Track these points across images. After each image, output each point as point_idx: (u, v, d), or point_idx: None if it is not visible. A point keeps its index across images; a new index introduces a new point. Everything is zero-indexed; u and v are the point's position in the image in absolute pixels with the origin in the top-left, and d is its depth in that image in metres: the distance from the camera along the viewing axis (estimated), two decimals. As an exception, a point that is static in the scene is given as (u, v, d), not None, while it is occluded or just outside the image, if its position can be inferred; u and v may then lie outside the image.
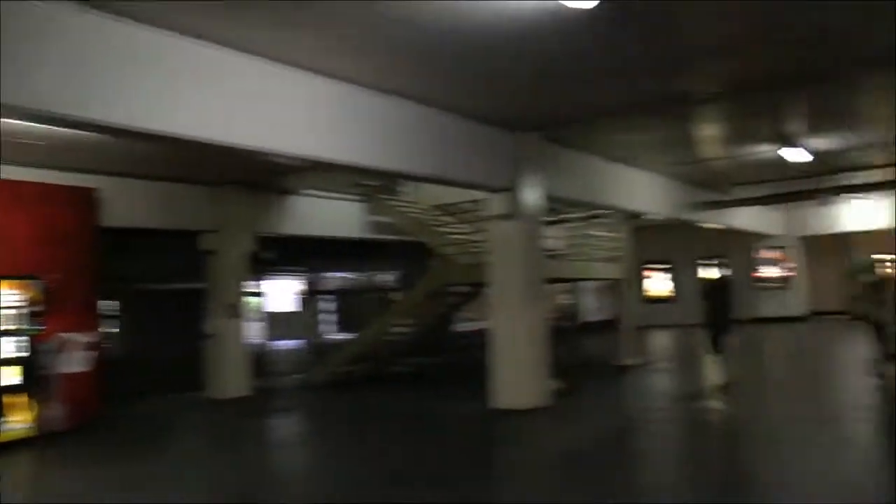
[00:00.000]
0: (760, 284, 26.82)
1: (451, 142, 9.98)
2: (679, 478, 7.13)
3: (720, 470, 7.34)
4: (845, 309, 25.87)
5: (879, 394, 10.54)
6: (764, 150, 13.79)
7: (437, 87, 9.00)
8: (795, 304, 26.37)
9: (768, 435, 8.53)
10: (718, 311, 11.17)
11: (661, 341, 22.86)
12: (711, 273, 12.71)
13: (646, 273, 29.50)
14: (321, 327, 19.82)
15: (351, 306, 20.61)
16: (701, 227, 21.37)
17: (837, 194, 18.75)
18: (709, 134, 12.92)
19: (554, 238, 16.05)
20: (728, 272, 11.67)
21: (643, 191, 15.47)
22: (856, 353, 13.70)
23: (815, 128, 12.73)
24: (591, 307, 29.54)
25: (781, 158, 14.16)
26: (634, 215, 16.18)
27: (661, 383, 13.63)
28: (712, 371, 11.01)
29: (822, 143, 13.81)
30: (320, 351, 17.31)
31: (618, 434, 9.04)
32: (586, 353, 20.63)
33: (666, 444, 8.58)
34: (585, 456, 7.92)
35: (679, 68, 8.71)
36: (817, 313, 26.50)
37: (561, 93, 9.45)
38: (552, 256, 14.61)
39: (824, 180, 17.46)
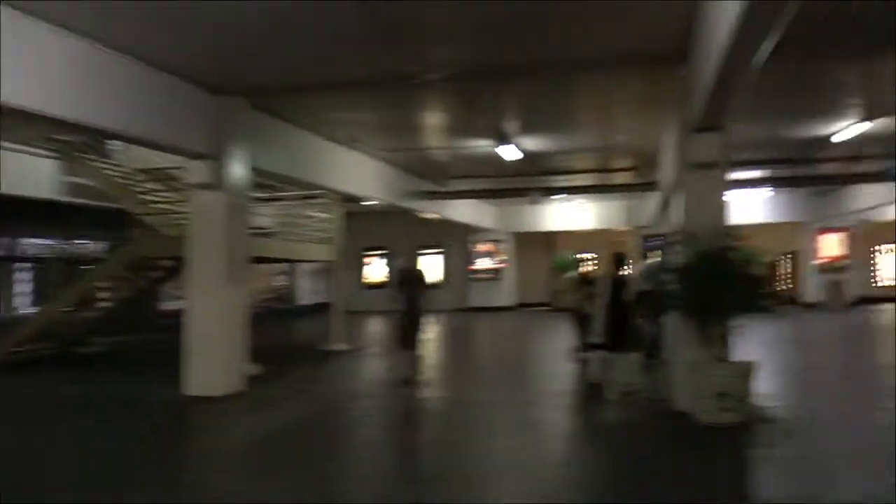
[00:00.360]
0: (475, 276, 28.06)
1: (142, 95, 8.80)
2: (370, 467, 6.81)
3: (413, 457, 7.16)
4: (549, 301, 28.20)
5: (579, 379, 11.20)
6: (481, 144, 14.09)
7: (129, 32, 7.89)
8: (505, 295, 27.92)
9: (466, 421, 8.55)
10: (409, 304, 10.72)
11: (376, 327, 22.92)
12: (404, 263, 12.35)
13: (366, 259, 29.67)
14: (16, 300, 17.40)
15: (50, 276, 18.35)
16: (420, 217, 21.81)
17: (547, 195, 19.97)
18: (429, 122, 12.95)
19: (265, 215, 15.30)
20: (414, 264, 11.13)
21: (360, 174, 15.16)
22: (558, 341, 14.15)
23: (529, 127, 13.21)
24: (308, 289, 29.11)
25: (497, 155, 14.60)
26: (351, 198, 15.89)
27: (367, 369, 13.41)
28: (405, 363, 10.82)
29: (534, 143, 14.40)
30: (6, 326, 15.04)
31: (310, 422, 8.56)
32: (297, 336, 20.10)
33: (360, 432, 8.26)
34: (271, 447, 7.37)
35: (398, 47, 8.41)
36: (524, 305, 28.31)
37: (266, 57, 8.72)
38: (262, 234, 13.88)
39: (536, 180, 18.45)
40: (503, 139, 13.39)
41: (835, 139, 13.69)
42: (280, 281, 28.55)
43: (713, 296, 7.63)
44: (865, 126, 12.72)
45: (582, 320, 11.80)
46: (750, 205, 24.66)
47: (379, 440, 8.02)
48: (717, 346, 7.86)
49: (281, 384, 11.10)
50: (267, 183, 13.61)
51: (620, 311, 9.54)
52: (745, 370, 7.75)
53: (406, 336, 10.75)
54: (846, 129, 13.16)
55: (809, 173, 18.54)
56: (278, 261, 19.86)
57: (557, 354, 13.47)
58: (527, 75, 9.78)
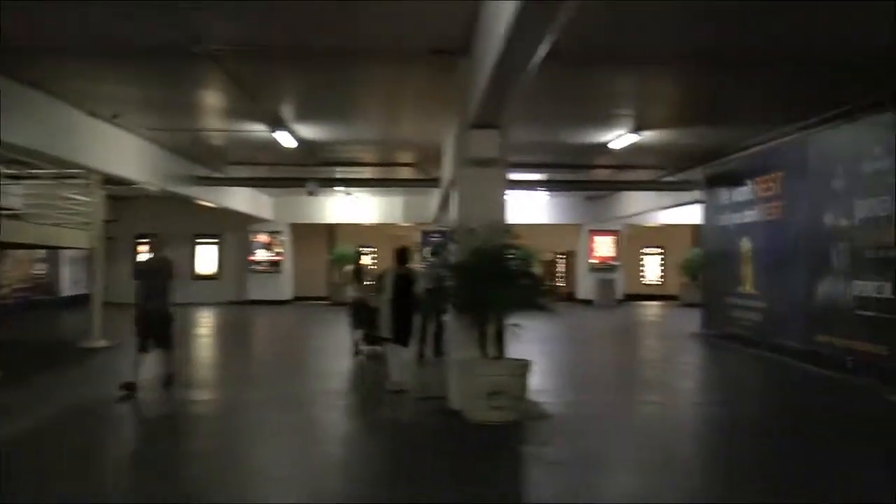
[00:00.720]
0: (254, 268, 27.01)
1: None
2: (113, 486, 6.02)
3: (166, 471, 6.43)
4: (328, 295, 27.81)
5: (357, 375, 11.01)
6: (256, 129, 13.32)
7: None
8: (283, 288, 27.09)
9: (229, 425, 7.92)
10: (153, 298, 9.31)
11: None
12: (149, 254, 11.36)
13: (139, 247, 27.67)
14: None
15: None
16: (197, 204, 20.58)
17: (325, 186, 19.35)
18: (201, 102, 12.00)
19: (14, 195, 13.61)
20: (169, 254, 9.76)
21: (124, 154, 13.73)
22: (338, 335, 14.04)
23: (306, 114, 12.66)
24: (73, 279, 26.61)
25: (275, 141, 13.93)
26: (116, 181, 14.53)
27: (128, 369, 12.11)
28: (146, 364, 9.59)
29: (312, 131, 13.85)
30: None
31: (48, 434, 7.52)
32: (53, 332, 18.18)
33: (105, 444, 7.36)
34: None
35: (169, 12, 7.58)
36: (301, 298, 27.64)
37: (8, 10, 7.54)
38: (8, 216, 12.28)
39: (315, 171, 17.81)
40: (278, 125, 12.75)
41: (612, 146, 14.35)
42: (40, 269, 25.89)
43: (488, 293, 7.54)
44: (635, 137, 13.43)
45: (366, 314, 11.51)
46: (529, 206, 25.61)
47: (128, 453, 7.20)
48: (491, 345, 7.81)
49: (21, 389, 9.78)
50: (16, 159, 12.02)
51: (406, 305, 9.38)
52: (520, 368, 7.75)
53: (148, 334, 9.31)
54: (619, 139, 13.83)
55: (584, 178, 19.49)
56: (30, 246, 17.82)
57: (336, 350, 13.23)
58: (303, 59, 9.26)
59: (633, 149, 14.83)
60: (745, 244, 14.06)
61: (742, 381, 11.48)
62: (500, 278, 7.61)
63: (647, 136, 13.56)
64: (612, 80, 10.49)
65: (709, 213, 16.07)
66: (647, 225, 27.12)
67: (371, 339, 10.18)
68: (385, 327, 9.61)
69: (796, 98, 10.94)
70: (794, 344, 12.06)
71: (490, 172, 8.01)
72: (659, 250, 31.16)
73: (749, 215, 13.93)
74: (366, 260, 26.95)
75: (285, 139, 13.57)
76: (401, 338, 9.51)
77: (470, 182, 8.10)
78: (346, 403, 9.28)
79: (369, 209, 26.57)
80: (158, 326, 9.38)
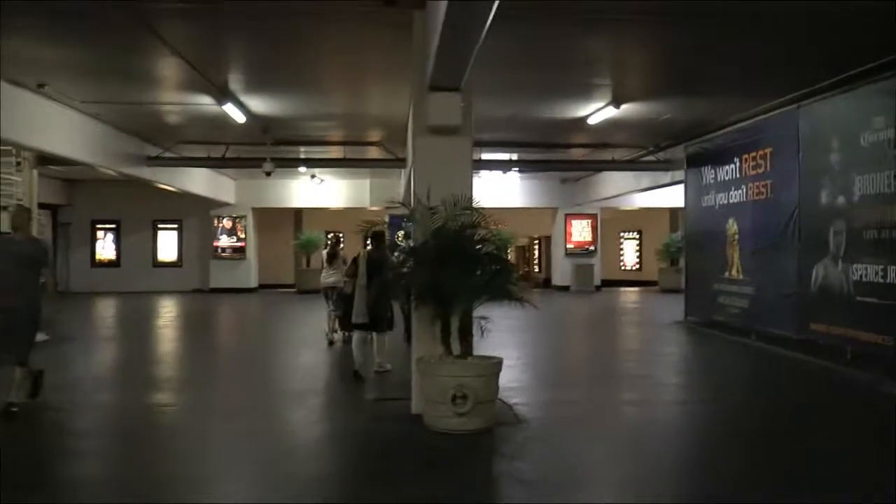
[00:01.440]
0: (217, 254, 25.82)
1: None
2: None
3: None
4: (295, 282, 26.68)
5: (323, 368, 10.37)
6: (203, 102, 12.15)
7: None
8: (247, 275, 25.95)
9: (178, 436, 6.88)
10: (13, 291, 7.02)
11: (106, 311, 20.14)
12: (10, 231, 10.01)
13: (97, 233, 26.41)
14: None
15: None
16: (157, 188, 19.43)
17: (283, 166, 18.00)
18: (141, 68, 10.70)
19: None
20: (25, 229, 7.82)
21: (57, 129, 12.42)
22: (309, 324, 13.40)
23: (257, 85, 11.54)
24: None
25: (229, 119, 12.81)
26: (51, 159, 13.32)
27: (68, 365, 10.90)
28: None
29: (266, 105, 12.73)
30: None
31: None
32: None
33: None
34: None
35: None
36: (267, 286, 26.53)
37: None
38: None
39: (276, 150, 16.61)
40: (226, 97, 11.60)
41: (590, 121, 13.37)
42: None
43: (451, 281, 6.53)
44: (613, 111, 12.44)
45: (342, 300, 10.82)
46: (502, 189, 24.62)
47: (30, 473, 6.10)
48: (456, 340, 6.81)
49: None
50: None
51: (380, 291, 8.59)
52: (489, 368, 6.77)
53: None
54: (597, 113, 12.86)
55: (559, 158, 18.53)
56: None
57: (303, 341, 12.53)
58: (248, 18, 8.17)
59: (611, 125, 13.89)
60: (732, 226, 13.17)
61: (731, 374, 10.58)
62: (464, 263, 6.60)
63: (627, 109, 12.61)
64: (587, 44, 9.48)
65: (691, 194, 15.15)
66: (625, 208, 26.28)
67: (351, 325, 9.55)
68: (359, 313, 9.06)
69: (786, 66, 10.05)
70: (785, 333, 11.19)
71: (452, 142, 6.97)
72: (636, 235, 30.37)
73: (735, 195, 13.03)
74: (336, 245, 25.85)
75: (234, 113, 12.43)
76: (376, 324, 9.19)
77: (429, 153, 7.05)
78: (298, 408, 8.13)
79: (336, 193, 25.43)
80: (15, 328, 7.04)
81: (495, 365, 6.81)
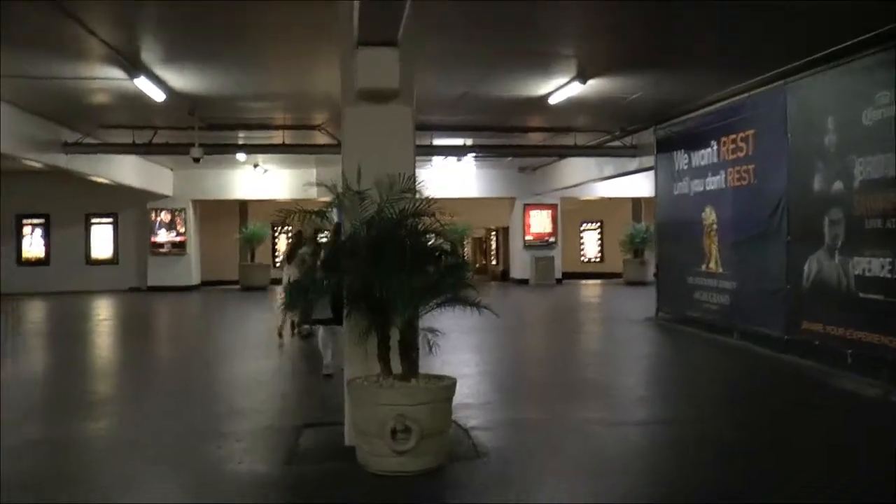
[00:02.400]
0: (155, 250, 24.05)
1: None
2: None
3: None
4: (239, 278, 25.03)
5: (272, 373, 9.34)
6: (113, 76, 10.44)
7: None
8: (188, 272, 24.23)
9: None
10: None
11: (34, 313, 18.31)
12: None
13: (24, 228, 24.48)
14: None
15: None
16: (90, 179, 17.72)
17: (213, 152, 16.01)
18: (29, 32, 9.06)
19: None
20: None
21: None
22: (252, 326, 12.67)
23: (176, 54, 9.96)
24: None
25: (146, 96, 11.24)
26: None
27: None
28: None
29: (187, 81, 11.16)
30: None
31: None
32: None
33: None
34: None
35: None
36: (208, 283, 24.87)
37: None
38: None
39: (206, 135, 14.92)
40: (138, 69, 10.03)
41: (552, 100, 12.07)
42: None
43: (388, 282, 5.15)
44: (578, 87, 11.16)
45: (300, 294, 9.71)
46: (457, 178, 23.36)
47: None
48: (396, 358, 5.46)
49: None
50: None
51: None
52: (439, 392, 5.41)
53: None
54: (560, 91, 11.58)
55: (517, 143, 17.21)
56: None
57: (250, 344, 11.62)
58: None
59: (574, 105, 12.64)
60: (709, 215, 11.99)
61: (716, 381, 9.36)
62: (405, 260, 5.21)
63: (593, 87, 11.35)
64: (550, 7, 8.14)
65: (662, 181, 13.96)
66: (585, 198, 25.13)
67: (313, 320, 8.91)
68: (320, 306, 7.70)
69: (771, 38, 8.90)
70: (774, 332, 10.05)
71: (389, 110, 5.58)
72: (597, 226, 29.28)
73: (713, 181, 11.85)
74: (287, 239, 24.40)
75: (151, 90, 10.86)
76: (338, 317, 7.84)
77: (360, 124, 5.65)
78: (219, 440, 6.59)
79: (281, 183, 23.76)
80: None
81: (446, 389, 5.46)
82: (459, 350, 9.50)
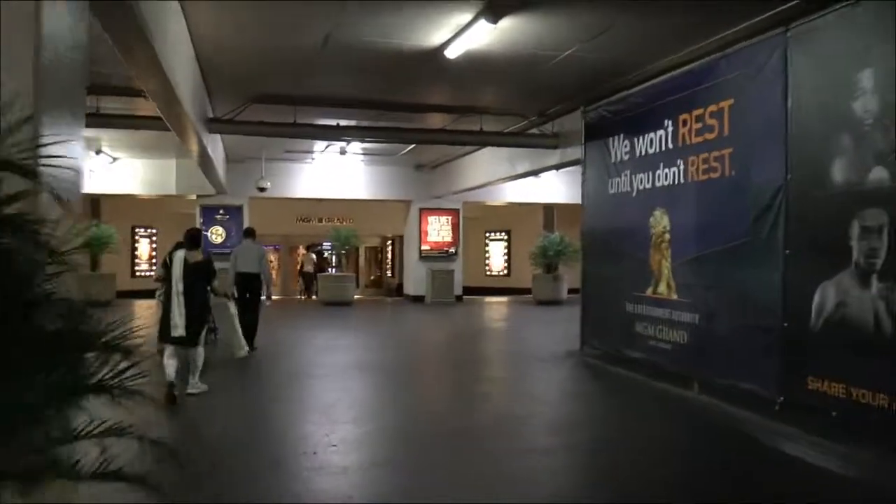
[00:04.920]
0: None
1: None
2: None
3: None
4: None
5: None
6: None
7: None
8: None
9: None
10: None
11: None
12: None
13: None
14: None
15: None
16: None
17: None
18: None
19: None
20: None
21: None
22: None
23: None
24: None
25: None
26: None
27: None
28: None
29: None
30: None
31: None
32: None
33: None
34: None
35: None
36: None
37: None
38: None
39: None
40: None
41: (449, 53, 8.69)
42: None
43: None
44: (484, 29, 7.82)
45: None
46: (343, 175, 19.93)
47: None
48: None
49: None
50: None
51: (199, 299, 7.97)
52: None
53: None
54: (461, 37, 8.23)
55: (408, 126, 13.79)
56: None
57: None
58: None
59: (479, 66, 9.40)
60: (660, 220, 8.87)
61: (694, 475, 6.06)
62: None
63: (507, 34, 8.10)
64: None
65: (592, 177, 10.80)
66: (491, 203, 22.02)
67: (167, 339, 7.84)
68: (176, 325, 7.77)
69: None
70: (759, 389, 6.95)
71: None
72: (504, 236, 26.26)
73: (666, 175, 8.75)
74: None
75: None
76: (192, 338, 7.89)
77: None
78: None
79: (135, 176, 19.63)
80: None
81: None
82: (323, 409, 6.05)
